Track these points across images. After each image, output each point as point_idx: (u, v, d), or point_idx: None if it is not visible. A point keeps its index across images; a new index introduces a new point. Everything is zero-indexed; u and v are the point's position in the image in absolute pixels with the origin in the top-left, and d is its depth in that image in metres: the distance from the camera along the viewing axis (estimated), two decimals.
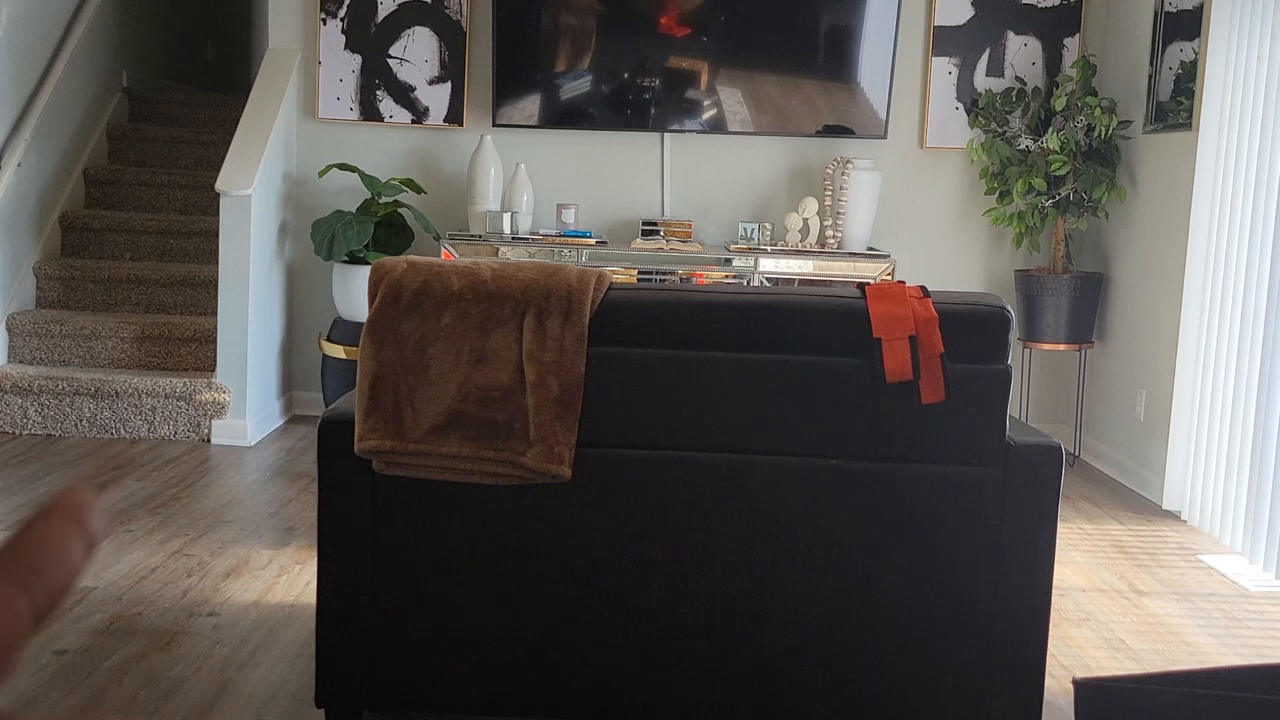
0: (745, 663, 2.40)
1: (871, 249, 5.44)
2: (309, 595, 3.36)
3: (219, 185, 5.04)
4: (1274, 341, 4.02)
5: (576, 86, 5.47)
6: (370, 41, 5.57)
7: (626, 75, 5.45)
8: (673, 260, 5.19)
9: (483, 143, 5.40)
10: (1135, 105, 5.17)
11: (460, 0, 5.54)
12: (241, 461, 4.82)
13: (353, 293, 5.20)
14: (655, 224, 5.49)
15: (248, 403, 5.11)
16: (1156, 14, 4.97)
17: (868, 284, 2.44)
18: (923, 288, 2.41)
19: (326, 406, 4.00)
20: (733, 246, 5.37)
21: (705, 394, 2.36)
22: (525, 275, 2.40)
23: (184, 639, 3.04)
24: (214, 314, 5.47)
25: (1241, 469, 4.19)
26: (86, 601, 3.25)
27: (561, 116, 5.50)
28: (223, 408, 5.08)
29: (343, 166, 5.31)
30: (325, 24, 5.56)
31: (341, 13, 5.55)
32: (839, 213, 5.38)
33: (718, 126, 5.51)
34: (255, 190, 5.09)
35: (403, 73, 5.58)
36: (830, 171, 5.41)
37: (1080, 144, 5.19)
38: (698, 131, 5.52)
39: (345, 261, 5.20)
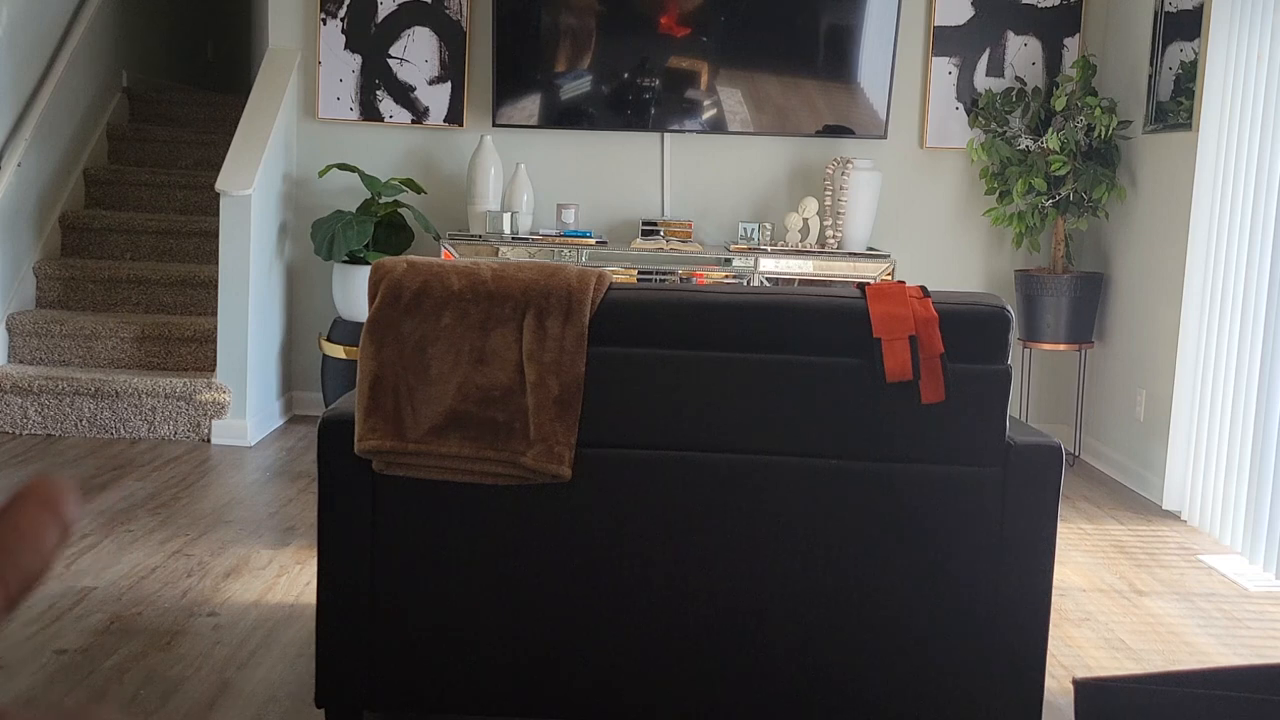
0: (745, 663, 2.40)
1: (871, 249, 5.43)
2: (309, 595, 3.36)
3: (219, 185, 5.04)
4: (1274, 341, 4.02)
5: (576, 86, 5.47)
6: (370, 41, 5.57)
7: (626, 75, 5.45)
8: (673, 260, 5.19)
9: (483, 143, 5.40)
10: (1135, 105, 5.17)
11: (460, 0, 5.54)
12: (241, 461, 4.82)
13: (353, 293, 5.20)
14: (655, 224, 5.49)
15: (248, 403, 5.11)
16: (1156, 14, 4.97)
17: (868, 284, 2.44)
18: (923, 288, 2.40)
19: (326, 406, 4.00)
20: (733, 246, 5.37)
21: (705, 394, 2.36)
22: (525, 275, 2.40)
23: (184, 639, 3.04)
24: (214, 314, 5.47)
25: (1241, 469, 4.19)
26: (86, 601, 3.25)
27: (561, 116, 5.50)
28: (223, 408, 5.08)
29: (343, 166, 5.31)
30: (325, 24, 5.56)
31: (341, 13, 5.55)
32: (839, 213, 5.38)
33: (718, 126, 5.51)
34: (255, 190, 5.09)
35: (403, 73, 5.58)
36: (830, 171, 5.41)
37: (1080, 144, 5.19)
38: (698, 131, 5.52)
39: (345, 261, 5.20)
